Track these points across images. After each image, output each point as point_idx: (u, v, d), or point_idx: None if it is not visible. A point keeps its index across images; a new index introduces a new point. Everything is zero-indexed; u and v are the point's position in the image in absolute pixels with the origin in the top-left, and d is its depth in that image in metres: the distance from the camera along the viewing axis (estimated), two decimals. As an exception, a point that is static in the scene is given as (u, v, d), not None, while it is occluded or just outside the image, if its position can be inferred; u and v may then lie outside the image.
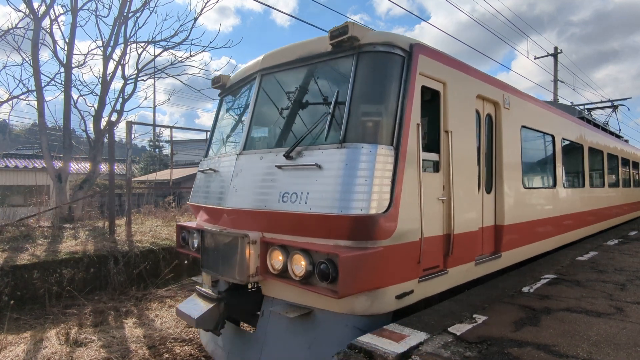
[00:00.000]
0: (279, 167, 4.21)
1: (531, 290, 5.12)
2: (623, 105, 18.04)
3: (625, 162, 14.44)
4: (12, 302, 7.06)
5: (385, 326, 3.76)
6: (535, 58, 27.46)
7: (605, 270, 6.43)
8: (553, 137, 8.03)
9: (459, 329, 3.71)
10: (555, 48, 26.65)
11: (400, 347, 3.25)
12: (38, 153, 24.44)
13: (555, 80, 26.09)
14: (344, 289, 3.46)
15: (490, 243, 5.85)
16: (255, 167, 4.56)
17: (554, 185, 7.93)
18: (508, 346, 3.34)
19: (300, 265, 3.80)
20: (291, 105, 4.77)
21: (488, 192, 5.82)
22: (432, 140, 4.79)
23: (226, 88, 5.99)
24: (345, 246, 3.73)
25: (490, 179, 5.91)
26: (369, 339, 3.41)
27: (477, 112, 5.58)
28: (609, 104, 17.51)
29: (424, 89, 4.53)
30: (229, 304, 4.55)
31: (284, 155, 4.18)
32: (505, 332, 3.65)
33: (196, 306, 4.64)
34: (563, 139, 8.50)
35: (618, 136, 15.35)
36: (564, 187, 8.40)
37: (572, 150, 9.39)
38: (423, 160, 4.37)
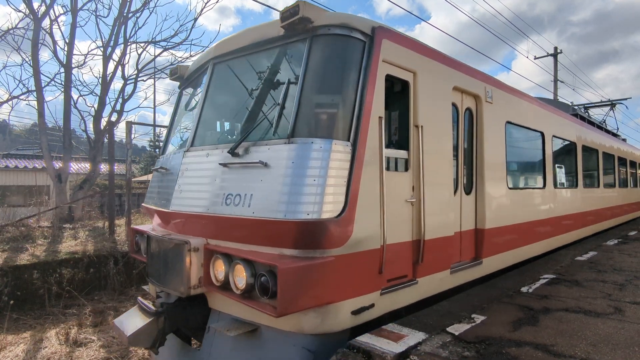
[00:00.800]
0: (224, 165, 3.81)
1: (530, 290, 5.12)
2: (621, 103, 17.88)
3: (623, 161, 14.02)
4: (12, 302, 7.07)
5: (384, 326, 3.76)
6: (535, 58, 27.48)
7: (605, 270, 6.43)
8: (542, 134, 7.61)
9: (457, 328, 3.72)
10: (555, 48, 26.66)
11: (398, 347, 3.26)
12: (38, 153, 24.44)
13: (555, 81, 26.11)
14: (283, 305, 3.03)
15: (470, 248, 5.46)
16: (201, 165, 4.15)
17: (544, 185, 7.54)
18: (506, 346, 3.34)
19: (242, 276, 3.40)
20: (243, 97, 4.37)
21: (467, 193, 5.45)
22: (401, 137, 4.41)
23: (184, 79, 5.48)
24: (291, 256, 3.32)
25: (470, 179, 5.55)
26: (367, 339, 3.42)
27: (455, 106, 5.18)
28: (607, 103, 17.35)
29: (390, 79, 4.13)
30: (171, 318, 4.02)
31: (228, 152, 3.78)
32: (503, 332, 3.65)
33: (133, 320, 4.10)
34: (554, 136, 8.10)
35: (615, 135, 14.99)
36: (555, 188, 8.00)
37: (564, 148, 8.99)
38: (389, 157, 4.06)
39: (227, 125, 4.58)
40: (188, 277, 3.72)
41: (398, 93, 4.39)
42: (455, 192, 5.09)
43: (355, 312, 3.59)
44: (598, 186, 10.97)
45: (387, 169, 4.00)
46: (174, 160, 4.67)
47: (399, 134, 4.44)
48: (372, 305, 3.74)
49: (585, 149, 10.04)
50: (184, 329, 4.32)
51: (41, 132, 13.29)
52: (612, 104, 17.06)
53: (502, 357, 3.14)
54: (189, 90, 5.49)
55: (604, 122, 15.27)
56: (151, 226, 5.12)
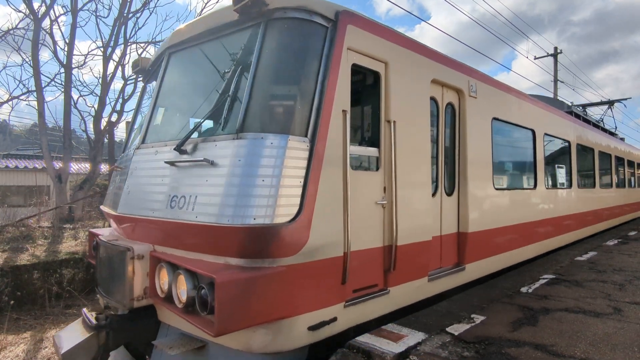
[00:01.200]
0: (171, 163, 3.49)
1: (530, 291, 5.13)
2: (620, 102, 17.77)
3: (620, 161, 13.64)
4: (12, 302, 7.07)
5: (384, 326, 3.76)
6: (535, 58, 27.46)
7: (604, 270, 6.43)
8: (533, 132, 7.22)
9: (457, 329, 3.72)
10: (555, 48, 26.65)
11: (398, 347, 3.26)
12: (38, 153, 24.45)
13: (555, 81, 26.11)
14: (222, 323, 2.70)
15: (452, 254, 5.13)
16: (149, 164, 3.84)
17: (535, 186, 7.18)
18: (506, 346, 3.35)
19: (184, 288, 3.06)
20: (197, 89, 4.11)
21: (449, 194, 5.12)
22: (372, 133, 4.08)
23: (146, 72, 5.11)
24: (236, 266, 2.99)
25: (452, 179, 5.21)
26: (367, 339, 3.42)
27: (434, 101, 4.86)
28: (606, 102, 17.21)
29: (359, 70, 3.82)
30: (117, 332, 3.60)
31: (174, 149, 3.45)
32: (503, 332, 3.66)
33: (73, 335, 3.70)
34: (546, 134, 7.73)
35: (612, 133, 14.61)
36: (547, 188, 7.65)
37: (558, 147, 8.70)
38: (356, 155, 3.79)
39: (180, 120, 4.21)
40: (131, 288, 3.37)
41: (370, 86, 4.08)
42: (434, 193, 4.81)
43: (314, 328, 3.25)
44: (594, 186, 10.65)
45: (354, 167, 3.72)
46: (126, 158, 4.39)
47: (370, 130, 4.12)
48: (334, 319, 3.41)
49: (581, 147, 9.72)
50: (135, 344, 3.95)
51: (41, 132, 13.30)
52: (610, 103, 16.94)
53: (502, 357, 3.15)
54: (153, 83, 5.03)
55: (602, 120, 14.99)
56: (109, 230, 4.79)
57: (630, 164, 15.20)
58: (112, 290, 3.62)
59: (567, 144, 8.99)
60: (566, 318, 4.08)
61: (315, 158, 3.22)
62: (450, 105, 5.17)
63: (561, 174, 8.79)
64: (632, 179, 15.55)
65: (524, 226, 6.67)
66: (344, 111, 3.51)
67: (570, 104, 11.93)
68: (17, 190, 21.67)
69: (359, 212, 3.67)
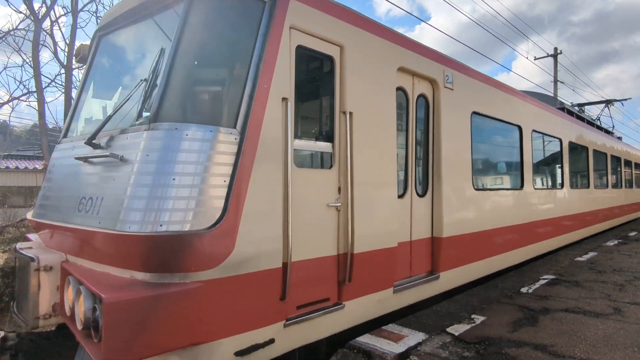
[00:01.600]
0: (83, 159, 3.10)
1: (530, 291, 5.13)
2: (617, 101, 17.66)
3: (617, 160, 13.13)
4: (12, 302, 7.07)
5: (384, 326, 3.77)
6: (535, 59, 27.46)
7: (604, 270, 6.44)
8: (520, 128, 6.73)
9: (457, 329, 3.73)
10: (555, 49, 26.67)
11: (398, 347, 3.27)
12: (39, 154, 24.47)
13: (555, 81, 26.13)
14: (110, 352, 2.25)
15: (425, 261, 4.67)
16: (65, 160, 3.45)
17: (521, 186, 6.69)
18: (506, 346, 3.36)
19: (83, 308, 2.57)
20: (123, 74, 3.71)
21: (421, 195, 4.67)
22: (325, 126, 3.68)
23: (85, 60, 4.59)
24: (142, 282, 2.53)
25: (425, 179, 4.76)
26: (367, 339, 3.43)
27: (403, 91, 4.41)
28: (603, 101, 17.06)
29: (307, 53, 3.39)
30: (27, 353, 3.24)
31: (85, 143, 3.04)
32: (503, 333, 3.66)
33: None
34: (534, 131, 7.22)
35: (609, 132, 14.12)
36: (535, 189, 7.16)
37: (548, 145, 8.19)
38: (304, 151, 3.42)
39: (105, 110, 3.78)
40: (35, 303, 2.90)
41: (323, 73, 3.65)
42: (403, 194, 4.41)
43: (243, 353, 2.81)
44: (588, 187, 10.18)
45: (300, 164, 3.31)
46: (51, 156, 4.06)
47: (323, 122, 3.69)
48: (271, 341, 2.99)
49: (573, 146, 9.29)
50: None
51: (42, 133, 13.32)
52: (607, 101, 16.80)
53: (502, 357, 3.16)
54: None
55: (598, 119, 14.65)
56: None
57: (628, 163, 14.77)
58: (20, 306, 3.14)
59: (558, 142, 8.49)
60: (566, 318, 4.09)
61: (245, 153, 2.78)
62: (422, 97, 4.71)
63: (552, 173, 8.45)
64: (630, 179, 15.15)
65: (509, 230, 6.20)
66: (285, 99, 3.07)
67: (562, 101, 11.62)
68: (17, 190, 21.69)
69: (305, 215, 3.25)
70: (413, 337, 3.50)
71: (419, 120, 4.67)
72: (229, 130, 2.78)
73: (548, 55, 27.08)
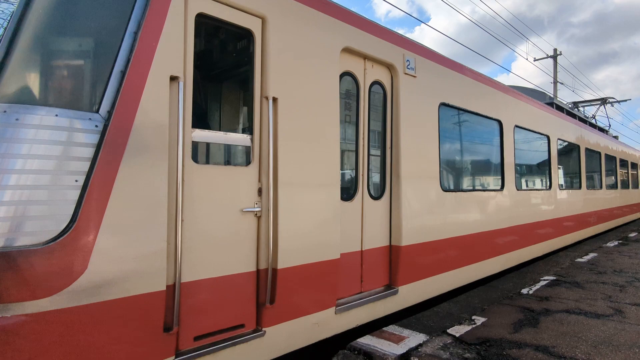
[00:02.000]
0: None
1: (530, 292, 5.13)
2: (614, 99, 17.54)
3: (612, 160, 12.52)
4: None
5: (385, 327, 3.77)
6: (535, 60, 27.53)
7: (605, 271, 6.44)
8: (500, 123, 6.11)
9: (458, 330, 3.73)
10: (555, 50, 26.72)
11: (399, 349, 3.27)
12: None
13: (555, 82, 26.17)
14: None
15: (381, 273, 4.11)
16: None
17: (502, 187, 6.11)
18: (507, 347, 3.35)
19: None
20: None
21: (376, 197, 4.11)
22: (242, 114, 3.24)
23: None
24: None
25: (382, 179, 4.22)
26: (368, 340, 3.43)
27: (352, 77, 3.85)
28: (599, 101, 16.89)
29: (213, 22, 2.82)
30: None
31: None
32: (504, 334, 3.66)
33: None
34: (517, 126, 6.61)
35: (604, 130, 13.56)
36: (518, 190, 6.57)
37: (533, 143, 7.55)
38: (209, 143, 2.96)
39: None
40: None
41: (239, 50, 3.14)
42: (351, 196, 3.86)
43: None
44: (580, 188, 9.61)
45: (199, 160, 2.84)
46: None
47: (238, 110, 3.21)
48: None
49: (563, 144, 8.78)
50: None
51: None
52: (602, 100, 16.63)
53: (503, 358, 3.15)
54: None
55: (594, 117, 14.21)
56: None
57: (624, 163, 14.11)
58: None
59: (545, 139, 7.86)
60: (567, 319, 4.08)
61: (109, 144, 2.23)
62: (378, 84, 4.13)
63: (538, 173, 7.80)
64: (626, 179, 14.55)
65: (485, 236, 5.59)
66: (175, 78, 2.52)
67: (552, 95, 10.88)
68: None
69: (208, 224, 2.69)
70: (414, 338, 3.49)
71: (373, 111, 4.09)
72: (87, 115, 2.20)
73: (548, 57, 27.13)
